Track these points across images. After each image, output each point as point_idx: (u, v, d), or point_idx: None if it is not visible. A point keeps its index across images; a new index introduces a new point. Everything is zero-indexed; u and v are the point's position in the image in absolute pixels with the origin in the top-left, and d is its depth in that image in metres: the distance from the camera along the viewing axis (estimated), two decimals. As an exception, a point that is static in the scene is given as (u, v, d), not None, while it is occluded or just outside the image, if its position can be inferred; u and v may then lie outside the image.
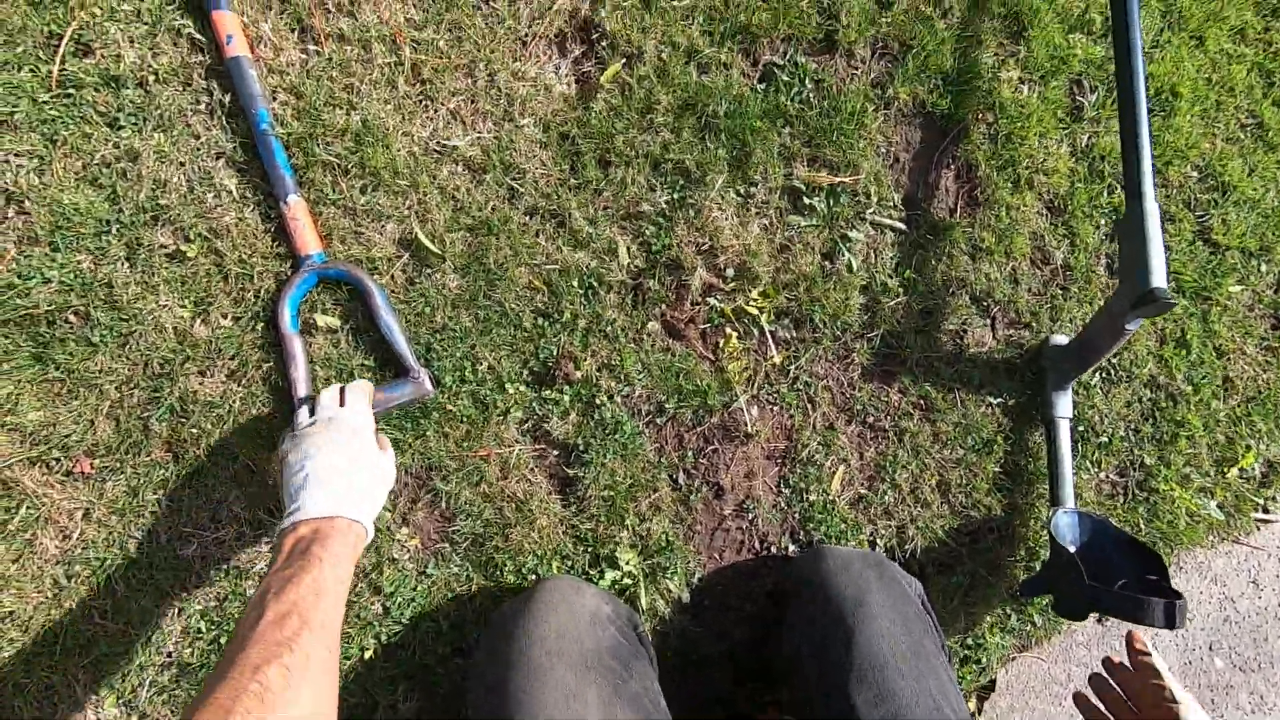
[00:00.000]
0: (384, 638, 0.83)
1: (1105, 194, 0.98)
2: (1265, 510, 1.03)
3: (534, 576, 0.85)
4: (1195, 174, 1.00)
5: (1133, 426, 0.98)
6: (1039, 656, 1.00)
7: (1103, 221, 0.98)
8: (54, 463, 0.78)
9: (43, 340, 0.78)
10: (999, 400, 0.94)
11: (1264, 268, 1.01)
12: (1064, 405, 0.90)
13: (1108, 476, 0.97)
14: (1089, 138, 0.98)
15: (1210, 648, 1.02)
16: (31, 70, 0.80)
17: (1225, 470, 1.00)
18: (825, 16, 0.93)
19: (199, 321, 0.81)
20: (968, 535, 0.94)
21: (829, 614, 0.72)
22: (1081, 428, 0.96)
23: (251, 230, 0.82)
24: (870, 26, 0.93)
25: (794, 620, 0.77)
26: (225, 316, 0.82)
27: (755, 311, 0.89)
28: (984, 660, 0.98)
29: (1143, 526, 0.97)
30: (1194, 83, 0.99)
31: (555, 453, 0.87)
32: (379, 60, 0.86)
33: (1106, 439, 0.96)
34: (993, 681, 1.01)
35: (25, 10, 0.80)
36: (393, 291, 0.84)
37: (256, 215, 0.83)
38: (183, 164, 0.82)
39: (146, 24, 0.82)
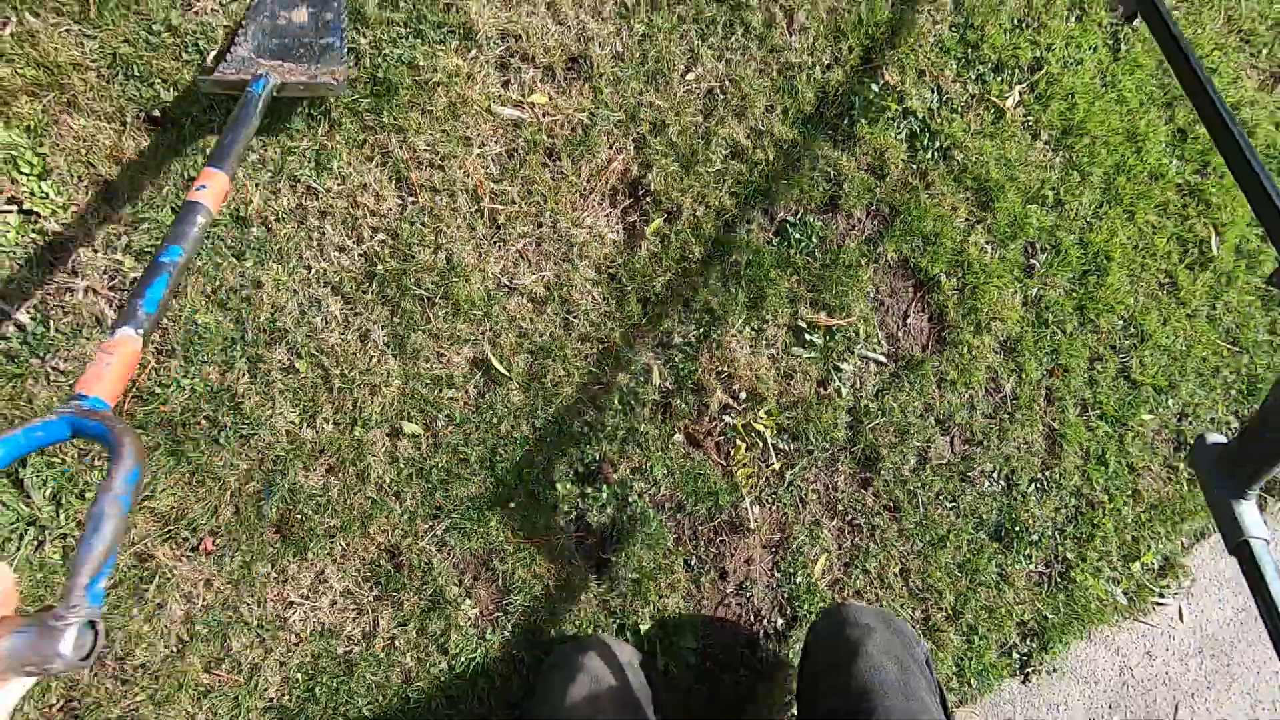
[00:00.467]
0: (448, 691, 1.00)
1: (1049, 336, 1.18)
2: (1160, 596, 1.26)
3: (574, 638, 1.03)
4: (1121, 323, 1.21)
5: (1058, 527, 1.19)
6: (972, 712, 1.21)
7: (1045, 359, 1.18)
8: (183, 541, 0.93)
9: (177, 439, 0.93)
10: (952, 504, 1.14)
11: (1170, 402, 1.23)
12: (1253, 521, 0.64)
13: (1035, 568, 1.18)
14: (1038, 290, 1.18)
15: (1110, 707, 1.24)
16: (172, 208, 0.94)
17: (1130, 564, 1.22)
18: (830, 183, 1.11)
19: (306, 425, 0.97)
20: (922, 615, 1.14)
21: (833, 655, 0.85)
22: (1017, 528, 1.16)
23: (352, 350, 0.98)
24: (867, 193, 1.12)
25: (806, 664, 0.93)
26: (328, 422, 0.97)
27: (761, 428, 1.08)
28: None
29: (1061, 609, 1.19)
30: (1124, 248, 1.20)
31: (593, 540, 1.05)
32: (462, 208, 1.02)
33: (1036, 537, 1.17)
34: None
35: (165, 155, 0.94)
36: (465, 404, 1.01)
37: (356, 337, 0.99)
38: (295, 291, 0.97)
39: (270, 171, 0.97)
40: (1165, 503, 1.22)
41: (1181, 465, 1.22)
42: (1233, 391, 1.25)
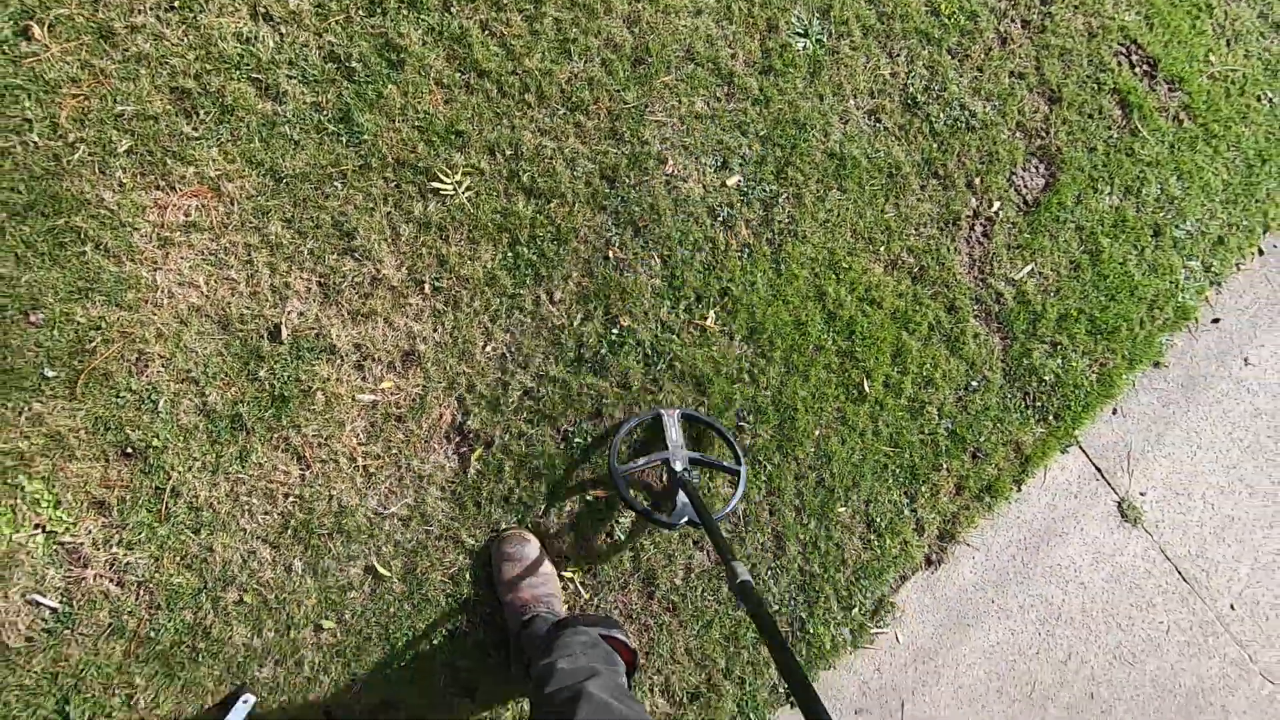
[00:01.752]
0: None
1: (763, 470, 1.71)
2: (878, 627, 1.78)
3: None
4: (812, 450, 1.75)
5: (793, 596, 1.70)
6: (764, 733, 1.70)
7: (763, 485, 1.71)
8: (182, 732, 1.37)
9: (169, 665, 1.37)
10: (714, 597, 1.65)
11: (855, 496, 1.77)
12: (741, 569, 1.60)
13: (780, 628, 1.69)
14: (749, 440, 1.71)
15: (855, 712, 1.74)
16: (148, 510, 1.40)
17: (849, 611, 1.74)
18: (594, 399, 1.63)
19: (255, 636, 1.42)
20: (705, 676, 1.63)
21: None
22: (771, 611, 1.67)
23: (281, 579, 1.44)
24: (619, 400, 1.64)
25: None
26: (271, 631, 1.43)
27: (570, 575, 1.57)
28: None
29: (804, 654, 1.69)
30: (804, 400, 1.74)
31: (459, 686, 1.52)
32: (344, 467, 1.50)
33: (777, 607, 1.68)
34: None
35: (140, 476, 1.41)
36: (362, 600, 1.47)
37: (283, 569, 1.45)
38: (237, 548, 1.43)
39: (209, 472, 1.44)
40: (865, 566, 1.75)
41: (872, 538, 1.76)
42: (901, 480, 1.80)
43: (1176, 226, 2.06)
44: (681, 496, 1.47)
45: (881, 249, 1.85)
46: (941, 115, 1.92)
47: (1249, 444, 2.05)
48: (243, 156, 1.53)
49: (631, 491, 1.55)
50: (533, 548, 1.52)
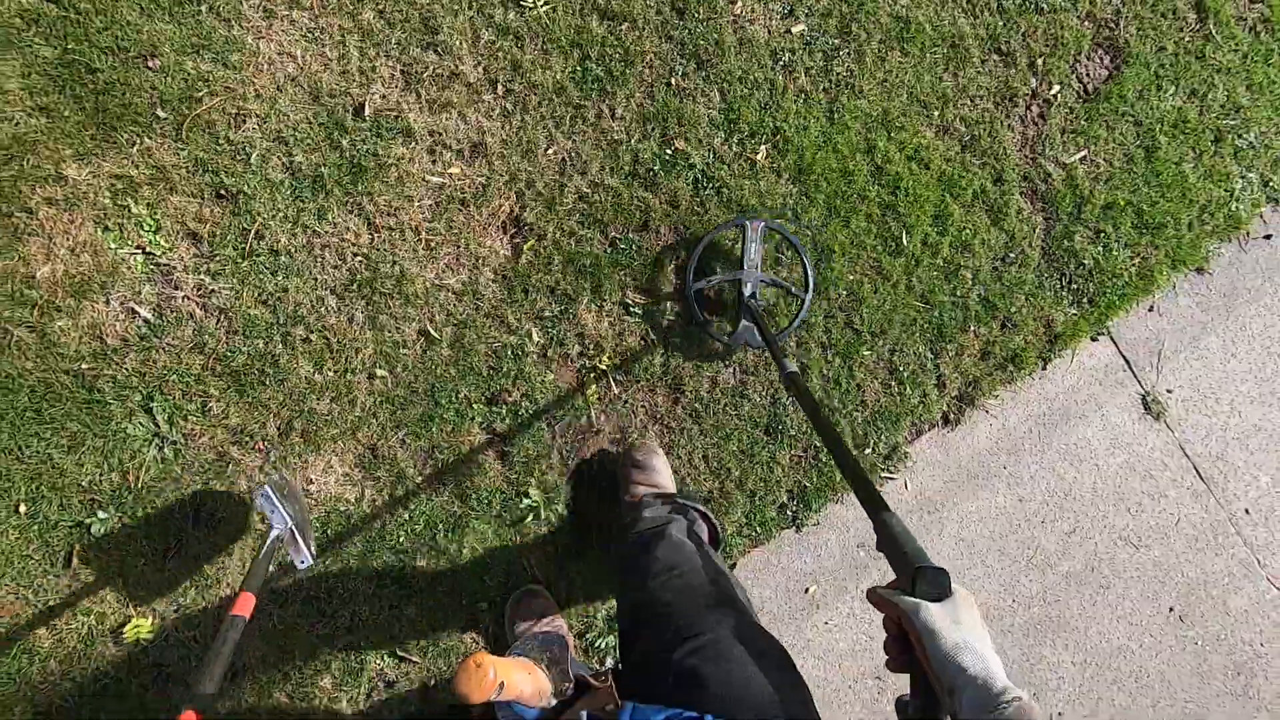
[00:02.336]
0: (404, 530, 1.56)
1: (800, 302, 1.77)
2: (887, 473, 1.83)
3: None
4: (845, 293, 1.80)
5: (807, 425, 1.76)
6: (763, 552, 1.77)
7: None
8: (245, 444, 1.51)
9: (240, 382, 1.51)
10: (735, 413, 1.72)
11: (881, 342, 1.81)
12: None
13: (795, 453, 1.75)
14: (785, 274, 1.77)
15: (857, 546, 1.80)
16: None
17: (862, 451, 1.79)
18: (642, 213, 1.71)
19: (317, 373, 1.55)
20: (718, 485, 1.71)
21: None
22: (780, 427, 1.73)
23: (343, 327, 1.57)
24: (667, 217, 1.72)
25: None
26: (331, 370, 1.55)
27: (604, 367, 1.66)
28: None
29: (815, 479, 1.76)
30: (842, 244, 1.79)
31: (497, 439, 1.62)
32: (409, 239, 1.61)
33: (794, 433, 1.75)
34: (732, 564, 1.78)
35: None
36: (414, 358, 1.59)
37: (345, 319, 1.57)
38: (308, 293, 1.56)
39: (289, 219, 1.57)
40: (884, 410, 1.80)
41: (893, 384, 1.81)
42: (927, 335, 1.84)
43: (1239, 136, 2.03)
44: (745, 321, 1.60)
45: (935, 114, 1.88)
46: (1012, -6, 1.93)
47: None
48: (346, -52, 1.64)
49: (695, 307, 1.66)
50: (661, 460, 1.62)
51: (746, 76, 1.78)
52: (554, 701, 0.88)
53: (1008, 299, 1.88)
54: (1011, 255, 1.89)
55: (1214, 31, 2.03)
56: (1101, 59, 2.00)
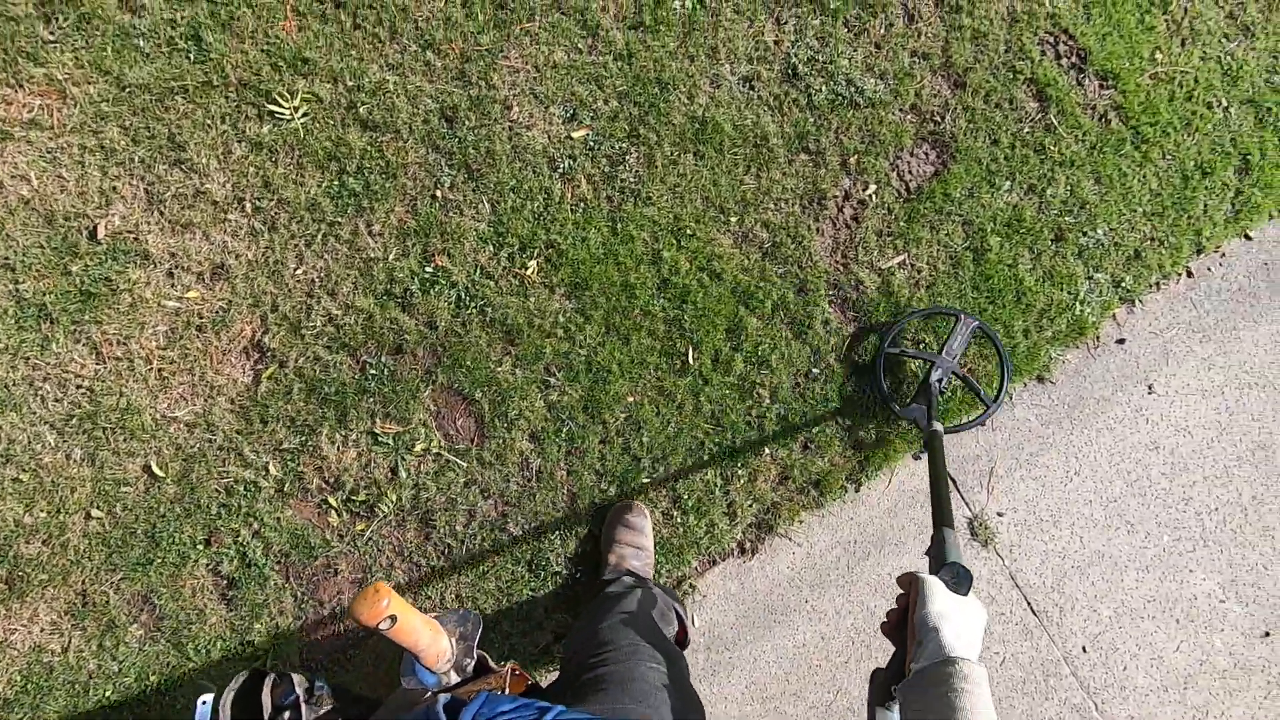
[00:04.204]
0: (125, 678, 1.44)
1: (564, 430, 1.61)
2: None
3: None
4: (623, 416, 1.63)
5: (576, 561, 1.60)
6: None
7: (564, 444, 1.61)
8: None
9: (-58, 527, 1.41)
10: (493, 548, 1.57)
11: (660, 468, 1.64)
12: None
13: (555, 585, 1.60)
14: (556, 396, 1.62)
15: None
16: None
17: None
18: (397, 334, 1.58)
19: (27, 514, 1.44)
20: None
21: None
22: (543, 561, 1.58)
23: (60, 465, 1.46)
24: (423, 340, 1.58)
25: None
26: (43, 511, 1.45)
27: (335, 504, 1.52)
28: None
29: (584, 620, 1.59)
30: (622, 364, 1.63)
31: (224, 583, 1.50)
32: (139, 369, 1.50)
33: (558, 569, 1.59)
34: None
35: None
36: (135, 497, 1.47)
37: (63, 456, 1.46)
38: (24, 429, 1.45)
39: (8, 355, 1.47)
40: (664, 542, 1.63)
41: (676, 515, 1.64)
42: (718, 460, 1.66)
43: (1084, 233, 1.82)
44: (919, 402, 1.62)
45: (733, 220, 1.71)
46: (824, 89, 1.76)
47: (1136, 478, 1.80)
48: (93, 64, 1.55)
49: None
50: (648, 523, 1.59)
51: (520, 186, 1.64)
52: (454, 675, 0.87)
53: (811, 418, 1.70)
54: (816, 370, 1.71)
55: (1057, 121, 1.83)
56: (926, 155, 1.81)
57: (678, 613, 1.33)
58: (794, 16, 1.77)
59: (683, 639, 1.37)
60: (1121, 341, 1.86)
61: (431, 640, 0.82)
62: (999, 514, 1.77)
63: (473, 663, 0.89)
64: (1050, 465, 1.80)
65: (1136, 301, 1.87)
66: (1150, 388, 1.85)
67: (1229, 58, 1.92)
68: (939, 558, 0.88)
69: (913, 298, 1.75)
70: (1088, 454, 1.81)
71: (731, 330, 1.68)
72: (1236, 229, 1.91)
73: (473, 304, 1.60)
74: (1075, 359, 1.84)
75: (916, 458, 1.77)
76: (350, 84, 1.61)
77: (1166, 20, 1.92)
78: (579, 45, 1.70)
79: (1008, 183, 1.80)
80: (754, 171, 1.73)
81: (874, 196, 1.76)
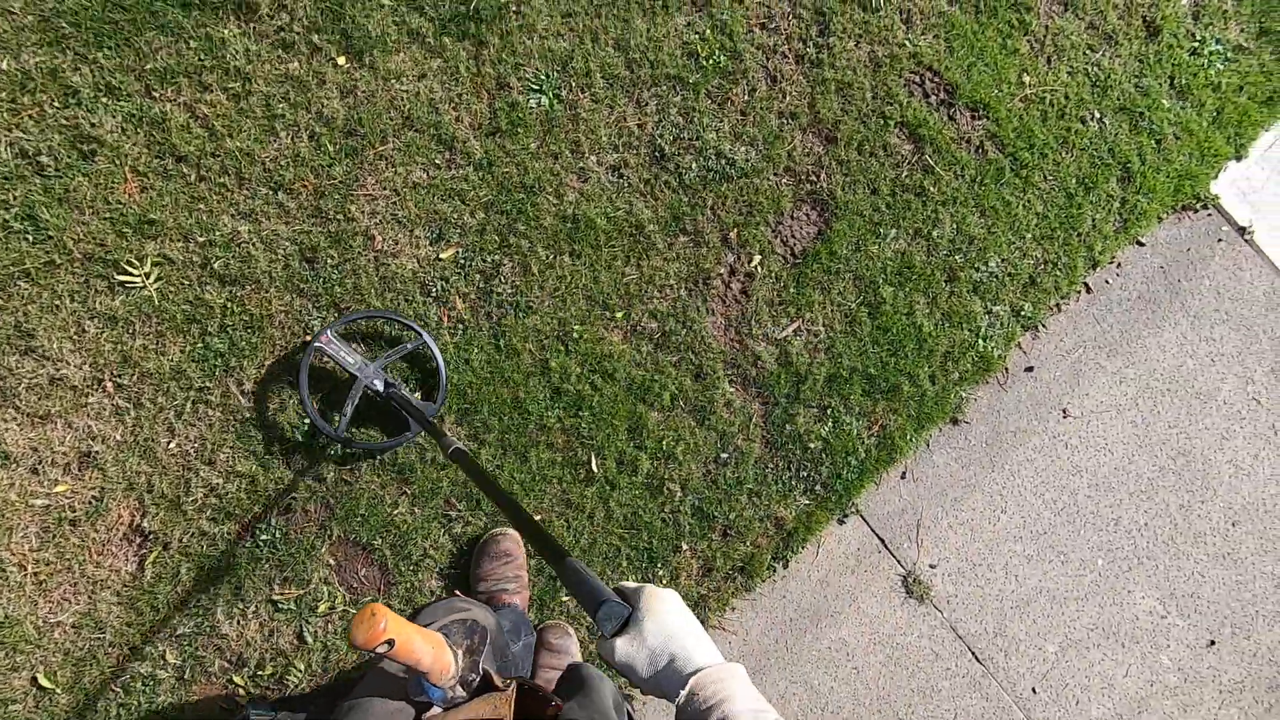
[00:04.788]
0: None
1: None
2: None
3: None
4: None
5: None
6: None
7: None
8: None
9: None
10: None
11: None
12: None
13: None
14: (459, 529, 1.56)
15: None
16: None
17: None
18: (286, 492, 1.51)
19: None
20: None
21: None
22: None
23: None
24: (313, 495, 1.52)
25: None
26: None
27: (240, 683, 1.45)
28: None
29: None
30: (523, 483, 1.58)
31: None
32: (12, 577, 1.42)
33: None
34: None
35: None
36: (25, 714, 1.39)
37: None
38: None
39: None
40: (593, 656, 1.58)
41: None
42: (636, 564, 1.61)
43: (976, 268, 1.80)
44: (404, 414, 1.45)
45: (619, 315, 1.67)
46: (694, 165, 1.72)
47: (1064, 506, 1.78)
48: (-78, 261, 1.47)
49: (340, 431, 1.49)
50: (574, 643, 1.53)
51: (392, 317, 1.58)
52: (459, 689, 0.84)
53: (727, 504, 1.65)
54: (726, 454, 1.66)
55: (933, 161, 1.81)
56: (807, 216, 1.78)
57: (629, 714, 1.28)
58: (654, 96, 1.73)
59: None
60: (1030, 369, 1.84)
61: (435, 657, 0.79)
62: (931, 566, 1.74)
63: (478, 678, 0.86)
64: (976, 508, 1.77)
65: (1039, 327, 1.85)
66: (1065, 412, 1.83)
67: (1096, 68, 1.91)
68: (590, 603, 0.67)
69: (813, 363, 1.71)
70: (1012, 489, 1.78)
71: (633, 429, 1.63)
72: (1128, 238, 1.90)
73: (360, 448, 1.54)
74: (986, 395, 1.82)
75: (841, 521, 1.73)
76: (201, 240, 1.54)
77: (1029, 41, 1.90)
78: (436, 161, 1.64)
79: (893, 230, 1.78)
80: (634, 262, 1.68)
81: (760, 267, 1.72)
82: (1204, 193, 1.94)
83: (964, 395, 1.79)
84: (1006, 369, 1.83)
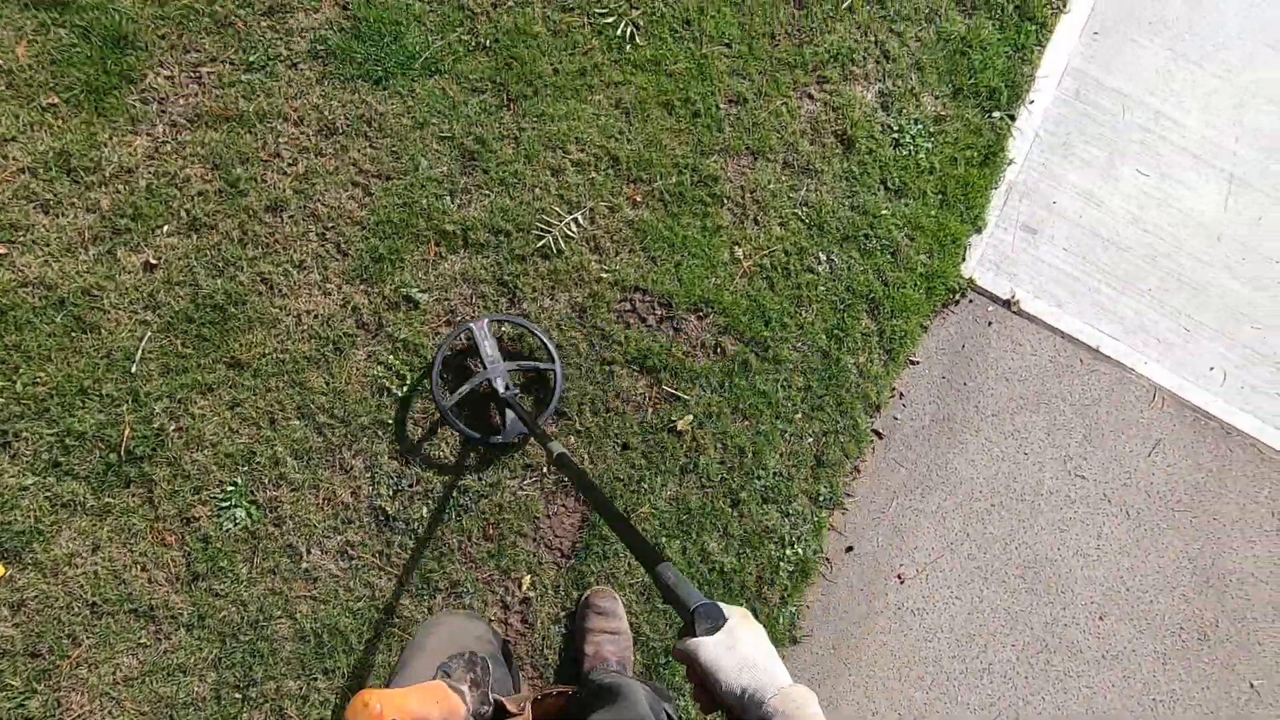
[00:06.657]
0: None
1: None
2: None
3: None
4: None
5: None
6: None
7: None
8: None
9: None
10: None
11: None
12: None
13: None
14: None
15: None
16: None
17: None
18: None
19: None
20: None
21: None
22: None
23: None
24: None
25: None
26: None
27: None
28: None
29: None
30: None
31: None
32: None
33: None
34: None
35: None
36: None
37: None
38: None
39: None
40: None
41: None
42: None
43: (757, 478, 1.65)
44: (510, 414, 1.50)
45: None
46: (424, 511, 1.53)
47: (932, 679, 1.66)
48: None
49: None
50: (621, 608, 1.54)
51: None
52: None
53: None
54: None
55: (672, 388, 1.65)
56: (564, 505, 1.61)
57: (668, 714, 1.16)
58: (358, 454, 1.54)
59: None
60: (850, 549, 1.71)
61: (443, 709, 0.78)
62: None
63: (490, 709, 0.85)
64: (847, 718, 1.64)
65: (844, 501, 1.72)
66: (900, 577, 1.71)
67: (805, 208, 1.77)
68: (683, 610, 0.68)
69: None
70: (874, 684, 1.66)
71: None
72: (898, 366, 1.77)
73: None
74: (816, 596, 1.68)
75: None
76: None
77: (729, 209, 1.75)
78: (142, 641, 1.43)
79: (658, 479, 1.62)
80: (396, 650, 1.50)
81: (535, 586, 1.55)
82: (957, 282, 1.81)
83: (794, 610, 1.65)
84: (827, 559, 1.70)
